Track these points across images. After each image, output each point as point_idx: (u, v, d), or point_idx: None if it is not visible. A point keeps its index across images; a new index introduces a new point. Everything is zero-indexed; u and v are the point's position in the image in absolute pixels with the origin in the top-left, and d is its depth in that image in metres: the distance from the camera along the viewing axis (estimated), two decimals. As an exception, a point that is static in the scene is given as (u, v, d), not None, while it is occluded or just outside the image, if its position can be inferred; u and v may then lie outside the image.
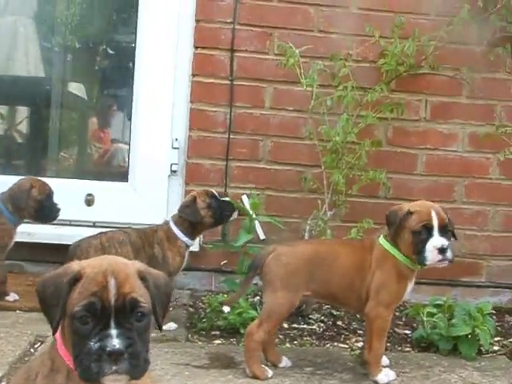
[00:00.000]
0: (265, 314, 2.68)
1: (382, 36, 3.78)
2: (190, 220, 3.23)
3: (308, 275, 2.69)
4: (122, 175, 4.12)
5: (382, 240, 2.74)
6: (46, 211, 3.34)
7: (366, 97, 3.64)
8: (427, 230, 2.65)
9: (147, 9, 3.98)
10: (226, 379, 2.60)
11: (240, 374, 2.66)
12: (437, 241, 2.64)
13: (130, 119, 5.18)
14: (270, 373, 2.65)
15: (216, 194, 3.32)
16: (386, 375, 2.67)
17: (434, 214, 2.67)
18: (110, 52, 5.14)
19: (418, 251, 2.65)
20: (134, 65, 4.10)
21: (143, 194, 3.94)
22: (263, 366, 2.68)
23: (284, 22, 3.89)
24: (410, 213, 2.68)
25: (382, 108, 3.74)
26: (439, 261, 2.65)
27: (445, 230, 2.67)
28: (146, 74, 3.96)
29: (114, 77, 5.19)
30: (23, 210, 3.30)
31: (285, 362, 2.78)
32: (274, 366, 2.74)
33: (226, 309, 3.14)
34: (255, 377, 2.61)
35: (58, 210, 3.37)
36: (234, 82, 3.88)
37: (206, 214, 3.24)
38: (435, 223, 2.66)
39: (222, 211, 3.28)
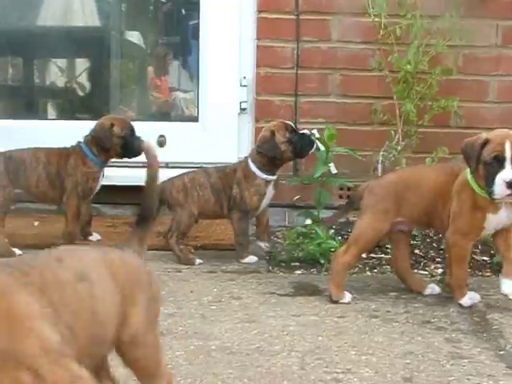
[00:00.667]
0: (353, 238, 2.73)
1: (449, -39, 3.71)
2: (269, 155, 3.21)
3: (395, 202, 2.71)
4: (192, 116, 4.16)
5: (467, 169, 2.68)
6: (131, 146, 3.34)
7: (435, 25, 3.58)
8: (499, 161, 2.53)
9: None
10: (312, 305, 2.65)
11: (325, 300, 2.71)
12: (507, 174, 2.51)
13: (186, 66, 5.22)
14: (347, 298, 2.70)
15: (294, 126, 3.30)
16: (470, 298, 2.68)
17: (508, 145, 2.52)
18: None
19: (489, 184, 2.54)
20: (197, 7, 4.10)
21: (214, 134, 3.97)
22: (345, 291, 2.72)
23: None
24: (486, 142, 2.57)
25: (452, 35, 3.67)
26: (508, 195, 2.53)
27: None
28: (211, 15, 3.95)
29: (177, 23, 5.20)
30: (109, 149, 3.34)
31: (430, 289, 2.82)
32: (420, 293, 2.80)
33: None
34: (334, 300, 2.67)
35: (142, 142, 3.40)
36: (300, 17, 3.85)
37: (287, 148, 3.21)
38: (509, 154, 2.52)
39: (301, 145, 3.25)
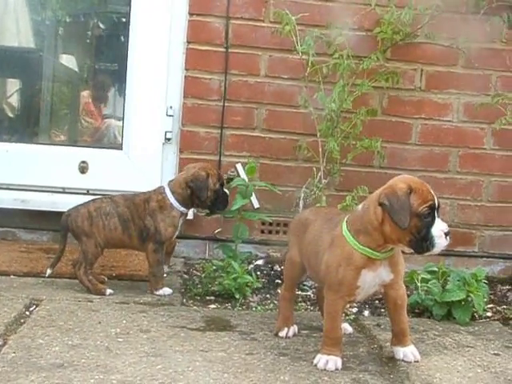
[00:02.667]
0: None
1: (378, 4, 3.77)
2: (196, 194, 3.16)
3: (296, 240, 2.69)
4: (116, 143, 4.11)
5: (344, 225, 2.42)
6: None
7: (361, 65, 3.63)
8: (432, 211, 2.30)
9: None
10: (221, 341, 2.60)
11: (236, 336, 2.67)
12: (442, 224, 2.33)
13: (122, 93, 5.17)
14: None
15: (225, 181, 3.29)
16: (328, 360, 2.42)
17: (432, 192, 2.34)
18: (103, 23, 5.10)
19: (424, 237, 2.30)
20: (128, 34, 4.07)
21: (137, 162, 3.92)
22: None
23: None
24: (410, 192, 2.30)
25: (377, 77, 3.73)
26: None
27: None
28: (141, 43, 3.93)
29: (107, 48, 5.16)
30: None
31: (342, 329, 2.61)
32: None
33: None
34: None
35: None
36: (229, 50, 3.86)
37: (210, 196, 3.18)
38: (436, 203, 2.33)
39: (220, 202, 3.22)
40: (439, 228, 2.32)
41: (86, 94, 5.32)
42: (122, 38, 4.78)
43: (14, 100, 5.27)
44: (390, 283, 2.46)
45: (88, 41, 5.24)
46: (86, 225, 3.13)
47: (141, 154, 3.92)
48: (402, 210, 2.27)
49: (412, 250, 2.37)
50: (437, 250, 2.33)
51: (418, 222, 2.30)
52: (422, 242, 2.32)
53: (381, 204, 2.31)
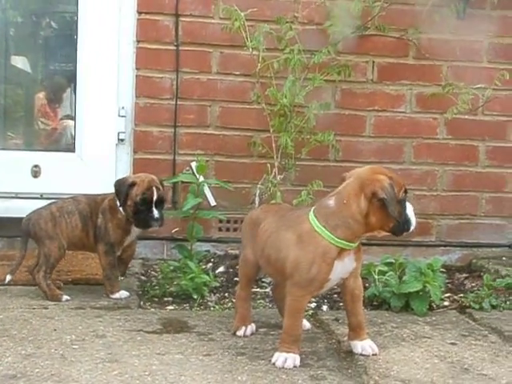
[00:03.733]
0: None
1: (327, -2, 3.78)
2: (117, 197, 3.09)
3: (248, 237, 2.70)
4: (68, 145, 4.05)
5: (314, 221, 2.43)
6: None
7: (312, 59, 3.62)
8: None
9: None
10: (178, 343, 2.58)
11: (193, 337, 2.65)
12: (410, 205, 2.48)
13: (75, 92, 5.11)
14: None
15: (158, 198, 3.08)
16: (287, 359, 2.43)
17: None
18: (55, 23, 5.02)
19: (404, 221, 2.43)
20: (77, 34, 4.02)
21: (90, 164, 3.87)
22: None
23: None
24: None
25: (329, 70, 3.72)
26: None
27: None
28: (90, 43, 3.88)
29: (60, 49, 5.09)
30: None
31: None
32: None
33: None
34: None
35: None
36: (180, 48, 3.83)
37: (130, 206, 3.07)
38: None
39: (139, 218, 3.09)
40: (411, 208, 2.46)
41: (41, 96, 5.24)
42: (73, 37, 4.72)
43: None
44: (351, 272, 2.48)
45: (40, 41, 5.16)
46: (50, 226, 3.10)
47: (94, 155, 3.87)
48: (393, 200, 2.37)
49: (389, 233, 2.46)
50: (413, 228, 2.46)
51: (401, 208, 2.41)
52: (403, 225, 2.43)
53: (380, 198, 2.36)
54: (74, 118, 5.07)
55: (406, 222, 2.44)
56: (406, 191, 2.44)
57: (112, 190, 3.16)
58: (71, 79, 4.58)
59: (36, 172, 3.87)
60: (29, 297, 3.07)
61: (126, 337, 2.62)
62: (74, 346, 2.51)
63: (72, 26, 4.54)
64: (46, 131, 4.72)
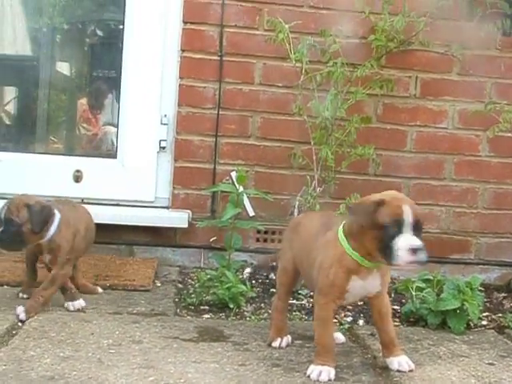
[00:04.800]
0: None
1: (372, 12, 3.77)
2: None
3: (289, 245, 2.71)
4: (110, 152, 4.10)
5: (340, 228, 2.44)
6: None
7: (355, 73, 3.63)
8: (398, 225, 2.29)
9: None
10: (214, 352, 2.59)
11: (229, 346, 2.65)
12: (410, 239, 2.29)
13: (118, 99, 5.18)
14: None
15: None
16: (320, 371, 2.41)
17: (406, 208, 2.31)
18: (100, 30, 5.10)
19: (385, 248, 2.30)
20: (122, 42, 4.07)
21: (132, 171, 3.91)
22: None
23: (274, -3, 3.87)
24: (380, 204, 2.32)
25: (371, 84, 3.73)
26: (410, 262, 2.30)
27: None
28: (135, 51, 3.93)
29: (104, 56, 5.16)
30: None
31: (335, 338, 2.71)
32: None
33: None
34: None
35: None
36: (224, 58, 3.86)
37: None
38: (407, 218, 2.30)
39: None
40: (405, 242, 2.28)
41: (83, 102, 5.32)
42: (118, 45, 4.78)
43: (11, 108, 5.27)
44: (375, 293, 2.48)
45: (85, 48, 5.24)
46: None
47: (135, 162, 3.91)
48: (358, 220, 2.34)
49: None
50: (399, 262, 2.29)
51: (379, 234, 2.30)
52: (385, 251, 2.30)
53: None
54: (115, 125, 5.15)
55: (386, 251, 2.30)
56: (397, 220, 2.28)
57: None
58: (113, 86, 4.65)
59: (78, 177, 3.92)
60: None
61: (162, 343, 2.63)
62: (110, 351, 2.53)
63: (117, 33, 4.61)
64: (88, 137, 4.79)
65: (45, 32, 5.13)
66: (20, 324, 2.76)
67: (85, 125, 5.27)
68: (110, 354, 2.50)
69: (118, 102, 4.08)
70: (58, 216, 2.92)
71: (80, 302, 3.01)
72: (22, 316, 2.80)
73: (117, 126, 4.09)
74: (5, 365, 2.33)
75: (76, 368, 2.35)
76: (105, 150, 4.43)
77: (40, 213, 2.84)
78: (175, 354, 2.54)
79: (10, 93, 5.34)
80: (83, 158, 4.08)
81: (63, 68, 5.33)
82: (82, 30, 5.19)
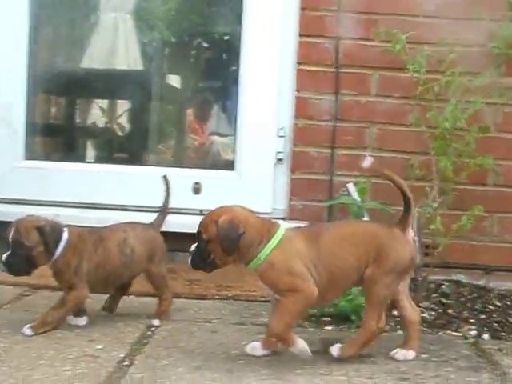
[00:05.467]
0: None
1: (490, 19, 3.71)
2: None
3: None
4: (228, 164, 4.18)
5: None
6: None
7: (474, 82, 3.58)
8: None
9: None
10: (341, 364, 2.60)
11: (355, 359, 2.66)
12: None
13: (225, 111, 5.28)
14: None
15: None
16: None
17: None
18: (211, 43, 5.22)
19: None
20: (237, 55, 4.16)
21: (249, 183, 3.98)
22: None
23: (389, 7, 3.86)
24: None
25: (490, 93, 3.66)
26: None
27: None
28: (252, 64, 4.01)
29: (216, 68, 5.27)
30: None
31: None
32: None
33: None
34: None
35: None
36: (340, 70, 3.88)
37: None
38: None
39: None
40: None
41: (190, 112, 5.46)
42: (230, 58, 4.88)
43: (124, 121, 5.45)
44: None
45: (197, 61, 5.36)
46: None
47: (252, 174, 3.98)
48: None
49: None
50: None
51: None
52: None
53: None
54: (222, 134, 5.27)
55: None
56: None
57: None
58: (220, 97, 4.77)
59: (197, 189, 4.02)
60: (193, 310, 3.19)
61: (289, 354, 2.66)
62: (239, 361, 2.58)
63: (231, 46, 4.72)
64: (198, 146, 4.91)
65: (155, 46, 5.29)
66: (150, 334, 2.85)
67: (192, 135, 5.40)
68: (238, 365, 2.55)
69: (235, 115, 4.14)
70: (65, 237, 2.80)
71: (81, 320, 2.92)
72: (28, 332, 2.73)
73: (233, 139, 4.16)
74: (141, 373, 2.42)
75: (208, 378, 2.41)
76: (224, 161, 4.52)
77: (52, 233, 2.74)
78: (302, 366, 2.57)
79: (123, 106, 5.53)
80: (202, 169, 4.18)
81: (173, 80, 5.48)
82: (193, 43, 5.32)
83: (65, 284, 2.82)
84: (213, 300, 3.40)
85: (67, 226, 2.85)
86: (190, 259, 2.57)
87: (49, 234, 2.73)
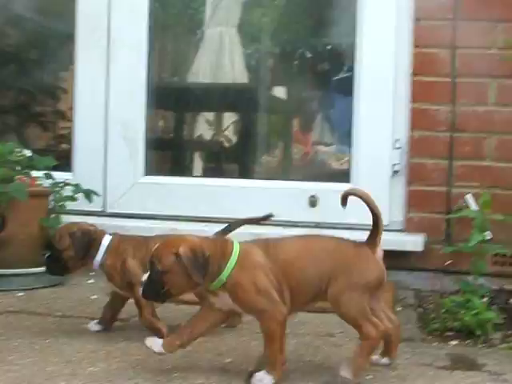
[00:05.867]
0: None
1: None
2: None
3: None
4: (344, 175, 4.19)
5: None
6: None
7: None
8: None
9: (366, 9, 4.02)
10: (471, 382, 2.56)
11: (485, 376, 2.62)
12: None
13: (329, 120, 5.30)
14: None
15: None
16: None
17: None
18: (319, 55, 5.24)
19: None
20: (349, 66, 4.17)
21: (365, 195, 3.97)
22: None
23: (509, 14, 3.78)
24: None
25: None
26: None
27: None
28: (367, 75, 4.01)
29: (323, 74, 5.30)
30: None
31: None
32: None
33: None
34: None
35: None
36: (456, 80, 3.83)
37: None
38: None
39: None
40: None
41: (296, 123, 5.51)
42: (339, 68, 4.89)
43: (231, 134, 5.55)
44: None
45: (304, 72, 5.40)
46: None
47: (369, 186, 3.93)
48: None
49: None
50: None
51: None
52: None
53: None
54: (325, 144, 5.28)
55: None
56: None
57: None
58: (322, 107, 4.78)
59: (313, 202, 4.05)
60: (314, 324, 3.21)
61: (416, 370, 2.64)
62: (367, 377, 2.57)
63: (340, 56, 4.74)
64: (322, 162, 4.94)
65: (259, 58, 5.36)
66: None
67: (298, 145, 5.45)
68: (366, 380, 2.55)
69: (351, 128, 4.13)
70: (105, 243, 2.92)
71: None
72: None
73: (350, 150, 4.16)
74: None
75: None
76: (339, 174, 4.54)
77: (81, 239, 2.88)
78: (432, 382, 2.54)
79: (229, 118, 5.62)
80: (318, 182, 4.20)
81: (279, 92, 5.54)
82: (298, 54, 5.36)
83: (118, 285, 2.93)
84: (332, 313, 3.40)
85: (113, 233, 3.00)
86: (141, 290, 2.46)
87: (77, 238, 2.89)
